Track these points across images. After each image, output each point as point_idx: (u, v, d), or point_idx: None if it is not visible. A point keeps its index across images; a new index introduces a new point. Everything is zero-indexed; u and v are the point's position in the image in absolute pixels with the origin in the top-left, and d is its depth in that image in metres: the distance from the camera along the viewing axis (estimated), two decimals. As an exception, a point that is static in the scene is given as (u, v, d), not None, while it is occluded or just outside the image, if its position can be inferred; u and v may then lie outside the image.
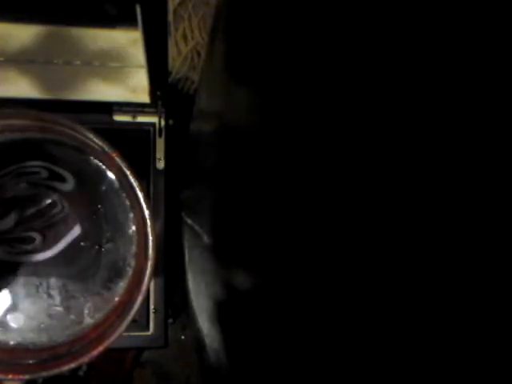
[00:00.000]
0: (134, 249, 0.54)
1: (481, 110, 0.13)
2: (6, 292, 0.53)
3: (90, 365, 0.81)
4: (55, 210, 0.55)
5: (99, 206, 0.55)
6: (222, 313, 0.43)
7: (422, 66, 0.15)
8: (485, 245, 0.13)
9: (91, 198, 0.55)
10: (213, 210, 0.46)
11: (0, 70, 0.60)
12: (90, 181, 0.54)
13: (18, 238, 0.54)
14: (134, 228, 0.54)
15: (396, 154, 0.16)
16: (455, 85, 0.14)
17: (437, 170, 0.14)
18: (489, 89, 0.12)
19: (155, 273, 0.49)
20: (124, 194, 0.54)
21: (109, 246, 0.55)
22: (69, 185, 0.54)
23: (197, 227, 0.55)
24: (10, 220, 0.54)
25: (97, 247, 0.55)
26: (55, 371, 0.46)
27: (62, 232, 0.55)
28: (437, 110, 0.14)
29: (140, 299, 0.48)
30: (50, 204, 0.55)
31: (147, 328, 0.62)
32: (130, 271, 0.54)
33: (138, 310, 0.48)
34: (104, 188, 0.54)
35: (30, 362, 0.48)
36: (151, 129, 0.65)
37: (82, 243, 0.55)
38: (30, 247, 0.55)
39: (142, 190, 0.47)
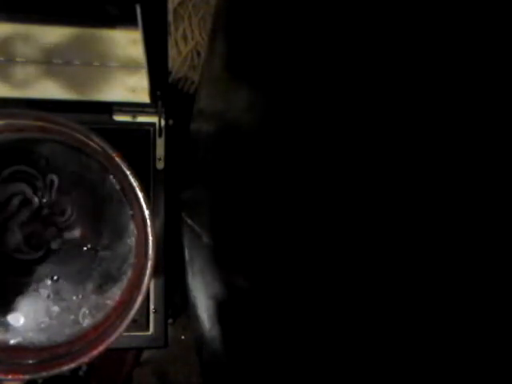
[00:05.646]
0: (131, 258, 0.54)
1: (481, 110, 0.13)
2: (6, 292, 0.53)
3: (90, 365, 0.81)
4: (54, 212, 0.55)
5: (100, 211, 0.55)
6: (222, 313, 0.43)
7: (421, 66, 0.15)
8: (485, 245, 0.13)
9: (91, 200, 0.55)
10: (212, 210, 0.46)
11: (0, 71, 0.60)
12: (90, 182, 0.54)
13: (19, 237, 0.54)
14: (133, 238, 0.54)
15: (396, 154, 0.16)
16: (455, 85, 0.14)
17: (437, 170, 0.14)
18: (489, 89, 0.12)
19: (155, 273, 0.49)
20: (124, 196, 0.54)
21: (106, 252, 0.55)
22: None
23: (197, 227, 0.55)
24: (13, 223, 0.54)
25: (96, 250, 0.55)
26: (55, 371, 0.46)
27: (61, 233, 0.55)
28: (437, 110, 0.14)
29: (140, 299, 0.48)
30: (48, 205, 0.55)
31: (147, 328, 0.62)
32: (129, 272, 0.54)
33: (138, 310, 0.48)
34: (104, 190, 0.54)
35: (30, 362, 0.48)
36: (151, 129, 0.65)
37: (81, 244, 0.55)
38: (29, 247, 0.55)
39: (142, 190, 0.47)
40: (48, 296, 0.54)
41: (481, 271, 0.13)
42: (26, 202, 0.54)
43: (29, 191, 0.53)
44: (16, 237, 0.54)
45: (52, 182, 0.53)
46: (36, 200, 0.54)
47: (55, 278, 0.55)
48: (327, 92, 0.20)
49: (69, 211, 0.54)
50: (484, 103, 0.13)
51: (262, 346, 0.30)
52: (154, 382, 0.90)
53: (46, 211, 0.54)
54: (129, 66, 0.62)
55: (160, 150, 0.65)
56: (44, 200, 0.54)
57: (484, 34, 0.13)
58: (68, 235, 0.55)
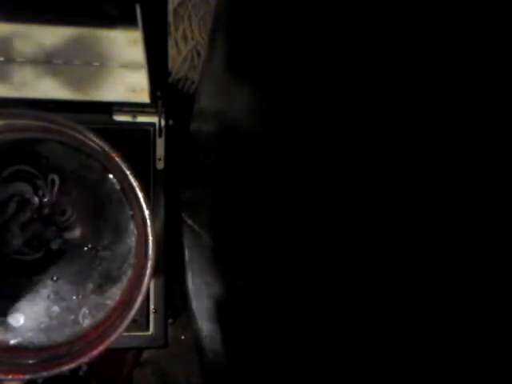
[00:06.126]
0: (131, 258, 0.54)
1: (481, 110, 0.13)
2: (6, 292, 0.53)
3: (90, 365, 0.81)
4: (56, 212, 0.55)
5: (100, 211, 0.55)
6: (222, 313, 0.43)
7: (422, 66, 0.15)
8: (485, 245, 0.13)
9: (92, 200, 0.55)
10: (213, 210, 0.46)
11: (0, 71, 0.60)
12: (90, 182, 0.54)
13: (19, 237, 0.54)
14: (133, 238, 0.54)
15: (396, 156, 0.16)
16: (455, 85, 0.14)
17: (437, 170, 0.14)
18: (489, 89, 0.12)
19: (155, 273, 0.49)
20: (124, 196, 0.54)
21: (106, 252, 0.55)
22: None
23: (197, 227, 0.55)
24: (14, 221, 0.54)
25: (96, 250, 0.55)
26: (55, 371, 0.46)
27: (61, 233, 0.55)
28: (437, 111, 0.14)
29: (140, 299, 0.48)
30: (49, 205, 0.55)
31: (147, 328, 0.62)
32: (129, 272, 0.54)
33: (138, 310, 0.48)
34: (104, 190, 0.54)
35: (30, 361, 0.48)
36: (151, 129, 0.65)
37: (81, 244, 0.55)
38: (30, 248, 0.55)
39: (142, 190, 0.47)
40: (48, 296, 0.54)
41: (481, 271, 0.13)
42: (27, 201, 0.54)
43: (29, 191, 0.53)
44: (16, 238, 0.54)
45: (53, 181, 0.53)
46: (36, 200, 0.54)
47: (55, 278, 0.54)
48: (328, 92, 0.20)
49: (69, 211, 0.55)
50: (484, 103, 0.13)
51: (262, 346, 0.30)
52: (154, 382, 0.90)
53: (46, 211, 0.54)
54: (129, 66, 0.62)
55: (160, 150, 0.65)
56: (45, 200, 0.54)
57: (484, 34, 0.13)
58: (68, 235, 0.55)
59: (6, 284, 0.53)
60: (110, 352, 0.48)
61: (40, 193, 0.54)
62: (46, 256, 0.55)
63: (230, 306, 0.39)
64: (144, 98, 0.62)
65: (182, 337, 0.91)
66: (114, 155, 0.47)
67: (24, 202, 0.54)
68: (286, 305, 0.25)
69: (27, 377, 0.46)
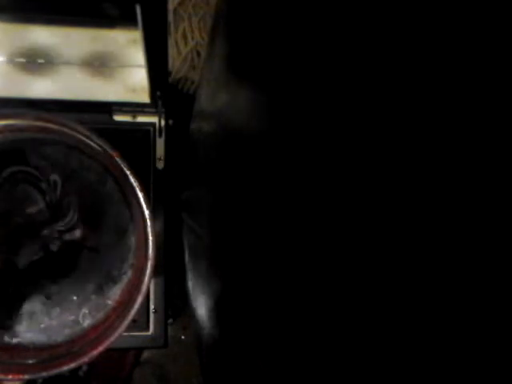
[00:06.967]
0: (131, 258, 0.54)
1: (481, 110, 0.13)
2: (6, 293, 0.53)
3: (90, 365, 0.81)
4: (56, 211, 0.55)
5: (100, 211, 0.55)
6: (222, 313, 0.43)
7: (422, 66, 0.15)
8: (485, 245, 0.13)
9: (92, 200, 0.55)
10: (213, 210, 0.46)
11: (0, 71, 0.60)
12: (90, 183, 0.54)
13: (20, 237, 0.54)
14: (133, 238, 0.54)
15: (396, 156, 0.16)
16: (455, 85, 0.14)
17: (437, 170, 0.14)
18: (489, 89, 0.12)
19: (155, 273, 0.49)
20: (124, 196, 0.54)
21: (106, 252, 0.55)
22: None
23: (197, 227, 0.55)
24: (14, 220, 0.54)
25: (96, 250, 0.55)
26: (55, 371, 0.46)
27: (60, 234, 0.55)
28: (437, 111, 0.14)
29: (140, 299, 0.48)
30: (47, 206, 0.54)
31: (147, 328, 0.62)
32: (129, 272, 0.54)
33: (138, 310, 0.48)
34: (105, 190, 0.54)
35: (30, 361, 0.48)
36: (151, 129, 0.65)
37: (82, 245, 0.55)
38: (29, 249, 0.55)
39: (142, 190, 0.47)
40: (48, 296, 0.54)
41: (481, 271, 0.13)
42: (37, 214, 0.54)
43: (38, 199, 0.53)
44: (17, 240, 0.54)
45: (55, 182, 0.53)
46: (46, 211, 0.53)
47: (55, 278, 0.54)
48: (328, 92, 0.20)
49: (71, 213, 0.54)
50: (484, 103, 0.13)
51: (262, 346, 0.30)
52: (154, 382, 0.90)
53: (50, 213, 0.54)
54: (129, 65, 0.62)
55: (160, 150, 0.65)
56: (49, 202, 0.54)
57: (484, 34, 0.12)
58: (68, 236, 0.55)
59: (6, 284, 0.53)
60: (109, 352, 0.48)
61: (47, 199, 0.53)
62: (46, 256, 0.55)
63: (231, 305, 0.39)
64: (144, 98, 0.62)
65: (182, 337, 0.91)
66: (113, 155, 0.47)
67: (34, 216, 0.53)
68: (287, 304, 0.25)
69: (27, 377, 0.46)
